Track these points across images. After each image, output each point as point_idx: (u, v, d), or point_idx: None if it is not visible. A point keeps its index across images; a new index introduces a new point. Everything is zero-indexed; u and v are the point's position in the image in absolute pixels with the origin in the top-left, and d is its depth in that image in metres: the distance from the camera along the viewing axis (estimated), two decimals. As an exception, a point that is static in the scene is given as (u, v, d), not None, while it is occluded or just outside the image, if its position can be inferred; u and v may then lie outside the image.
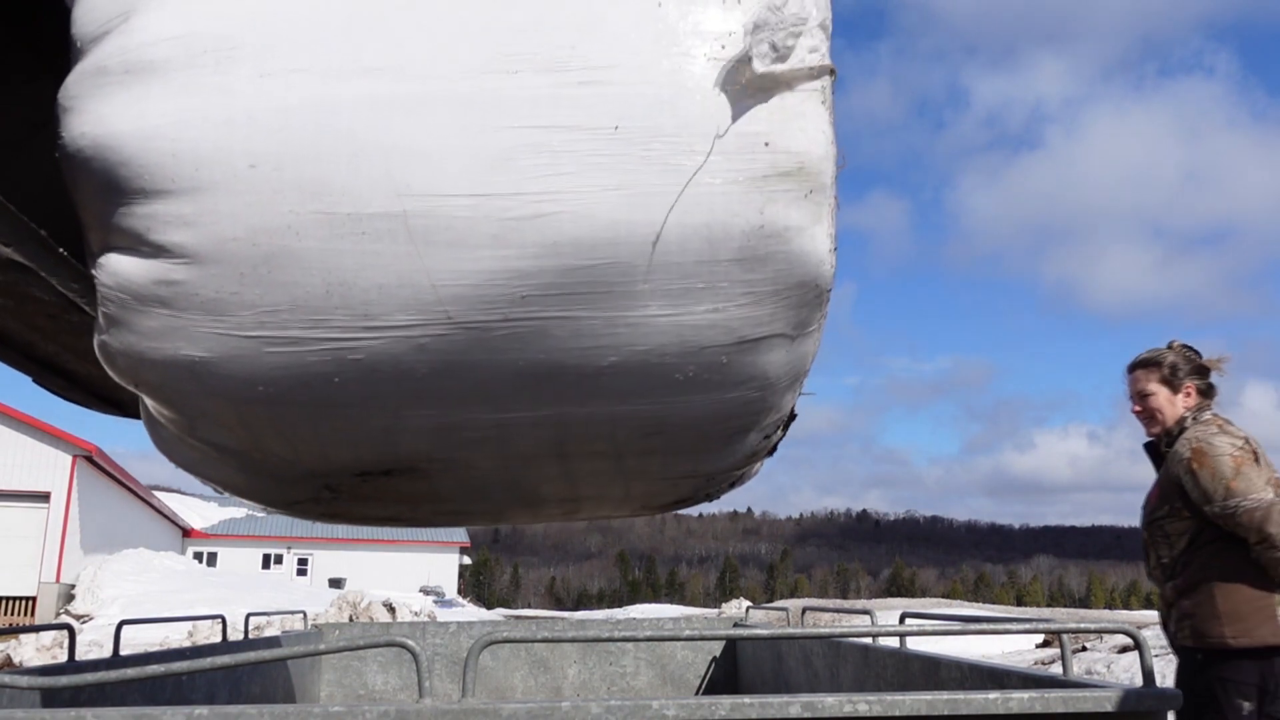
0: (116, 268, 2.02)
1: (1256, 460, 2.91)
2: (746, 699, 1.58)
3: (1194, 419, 3.07)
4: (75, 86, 2.01)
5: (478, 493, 2.67)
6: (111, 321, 2.06)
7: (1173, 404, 3.11)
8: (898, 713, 1.63)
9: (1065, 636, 2.12)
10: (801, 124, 2.08)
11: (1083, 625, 2.03)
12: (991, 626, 2.09)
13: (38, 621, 22.58)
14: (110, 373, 2.16)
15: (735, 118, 2.02)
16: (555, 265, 1.99)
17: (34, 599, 24.15)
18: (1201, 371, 3.16)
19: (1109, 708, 1.71)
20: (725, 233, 2.04)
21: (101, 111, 1.97)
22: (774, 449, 2.55)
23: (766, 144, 2.04)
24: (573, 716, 1.54)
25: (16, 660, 12.69)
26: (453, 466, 2.45)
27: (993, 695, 1.68)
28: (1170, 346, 3.22)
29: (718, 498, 2.98)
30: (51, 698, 2.22)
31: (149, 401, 2.28)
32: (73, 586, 23.62)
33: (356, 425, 2.20)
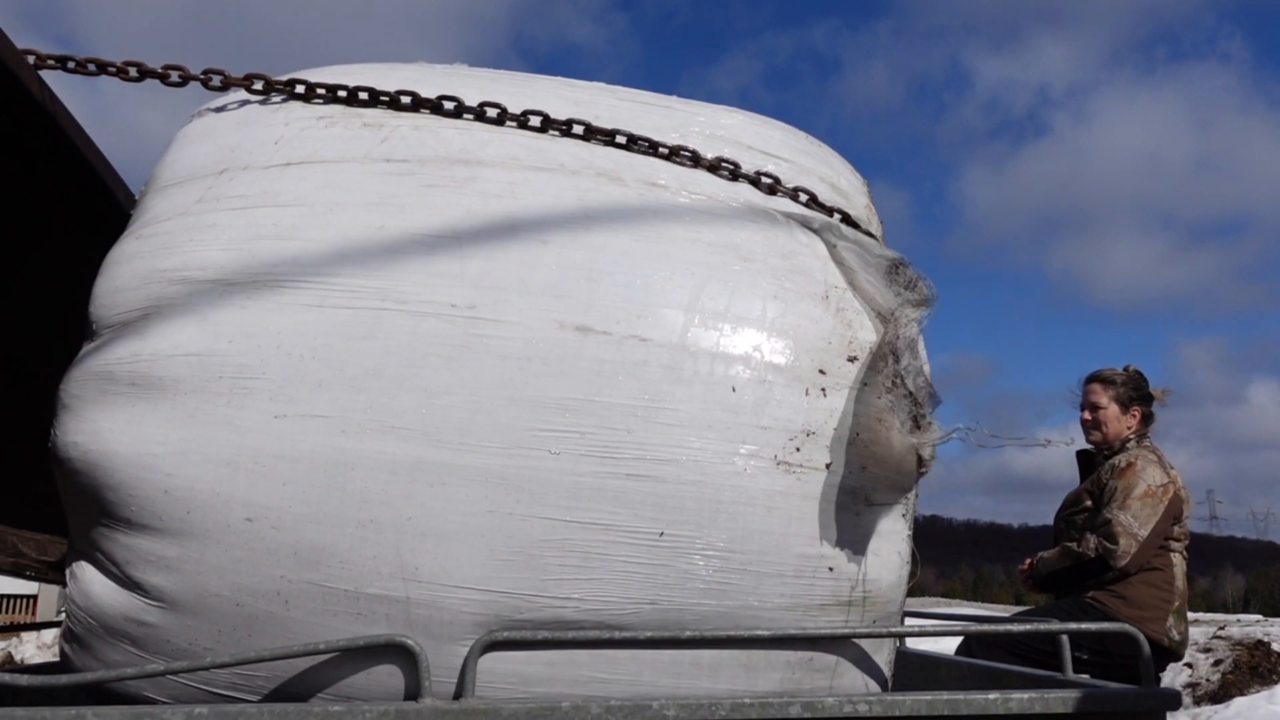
0: (89, 588, 1.81)
1: (1161, 502, 3.34)
2: (747, 699, 1.61)
3: (1136, 441, 3.50)
4: (78, 385, 1.81)
5: None
6: (75, 638, 1.85)
7: (1119, 421, 3.51)
8: (898, 713, 1.64)
9: (1064, 636, 2.06)
10: (876, 545, 1.83)
11: (1082, 625, 2.07)
12: (991, 626, 2.12)
13: (39, 619, 22.49)
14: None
15: (800, 536, 1.77)
16: (566, 676, 1.74)
17: (35, 597, 24.06)
18: (1148, 399, 3.55)
19: (1108, 707, 1.71)
20: (767, 663, 1.77)
21: (99, 424, 1.77)
22: None
23: (831, 569, 1.78)
24: (573, 716, 1.55)
25: (17, 658, 12.51)
26: None
27: (992, 695, 1.69)
28: (1126, 369, 3.61)
29: None
30: (52, 696, 2.09)
31: None
32: (76, 586, 23.59)
33: None
